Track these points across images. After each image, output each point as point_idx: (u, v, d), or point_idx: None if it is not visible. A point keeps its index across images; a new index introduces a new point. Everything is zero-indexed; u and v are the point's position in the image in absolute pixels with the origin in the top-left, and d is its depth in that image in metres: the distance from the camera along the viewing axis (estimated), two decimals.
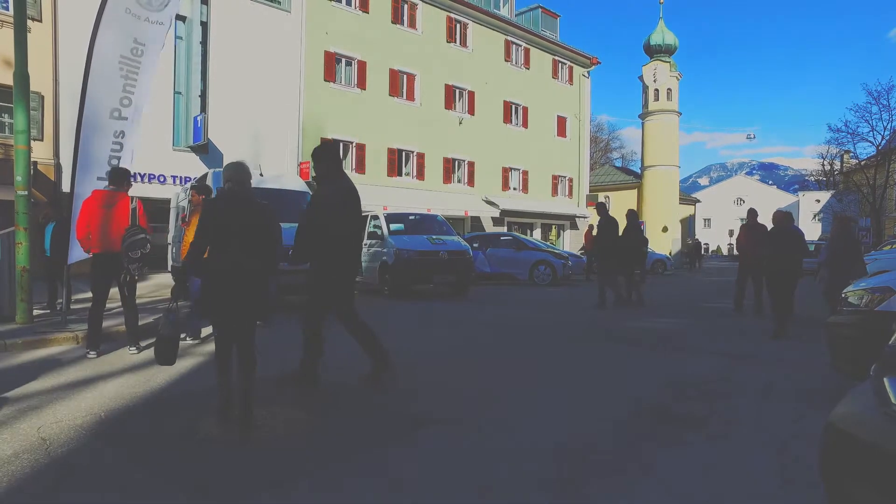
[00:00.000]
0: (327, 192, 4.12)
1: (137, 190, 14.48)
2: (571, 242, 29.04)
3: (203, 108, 17.74)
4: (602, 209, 10.18)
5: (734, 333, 7.17)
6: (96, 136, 6.49)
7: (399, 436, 3.23)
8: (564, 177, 30.58)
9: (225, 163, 17.81)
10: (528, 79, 28.19)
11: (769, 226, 7.82)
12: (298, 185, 10.73)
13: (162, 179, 16.73)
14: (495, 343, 6.43)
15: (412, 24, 23.59)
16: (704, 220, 68.39)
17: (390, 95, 22.73)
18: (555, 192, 30.06)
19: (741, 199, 65.75)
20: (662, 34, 43.36)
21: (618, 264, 9.96)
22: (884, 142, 33.75)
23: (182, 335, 4.83)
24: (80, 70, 6.46)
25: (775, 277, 7.12)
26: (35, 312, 6.97)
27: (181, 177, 16.79)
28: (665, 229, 41.44)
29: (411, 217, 12.89)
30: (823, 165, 55.41)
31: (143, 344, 5.58)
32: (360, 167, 21.77)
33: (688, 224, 48.70)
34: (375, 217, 12.44)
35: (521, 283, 15.22)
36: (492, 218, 25.54)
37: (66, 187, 10.83)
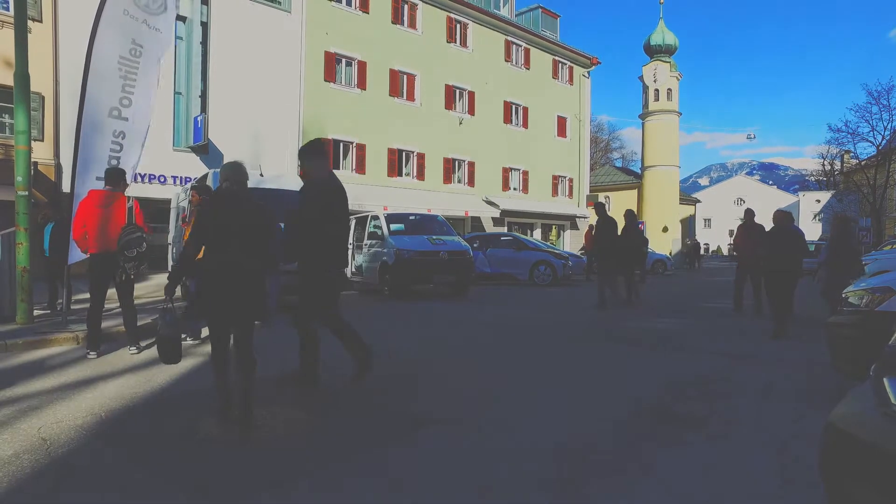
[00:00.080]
0: (315, 191, 4.08)
1: (138, 190, 14.52)
2: (572, 243, 29.05)
3: (203, 109, 17.75)
4: (601, 209, 10.18)
5: (734, 333, 7.16)
6: (96, 136, 6.50)
7: (399, 436, 3.23)
8: (565, 177, 30.58)
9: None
10: (529, 79, 28.20)
11: (767, 226, 7.82)
12: (298, 185, 10.69)
13: (162, 180, 16.74)
14: (495, 343, 6.43)
15: (412, 25, 23.60)
16: (705, 220, 68.38)
17: (390, 96, 22.74)
18: (555, 192, 30.07)
19: (741, 200, 65.74)
20: (662, 34, 43.38)
21: (617, 264, 9.95)
22: (884, 142, 33.77)
23: (182, 335, 4.82)
24: (81, 70, 6.47)
25: (774, 277, 7.11)
26: (35, 313, 6.98)
27: (181, 177, 16.80)
28: (665, 229, 41.45)
29: (411, 217, 12.89)
30: (824, 165, 55.41)
31: (143, 344, 5.58)
32: (361, 167, 21.78)
33: (688, 224, 48.70)
34: (375, 217, 12.43)
35: (522, 284, 15.22)
36: (492, 218, 25.54)
37: (66, 188, 10.84)
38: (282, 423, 3.41)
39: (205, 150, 17.35)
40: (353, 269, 12.87)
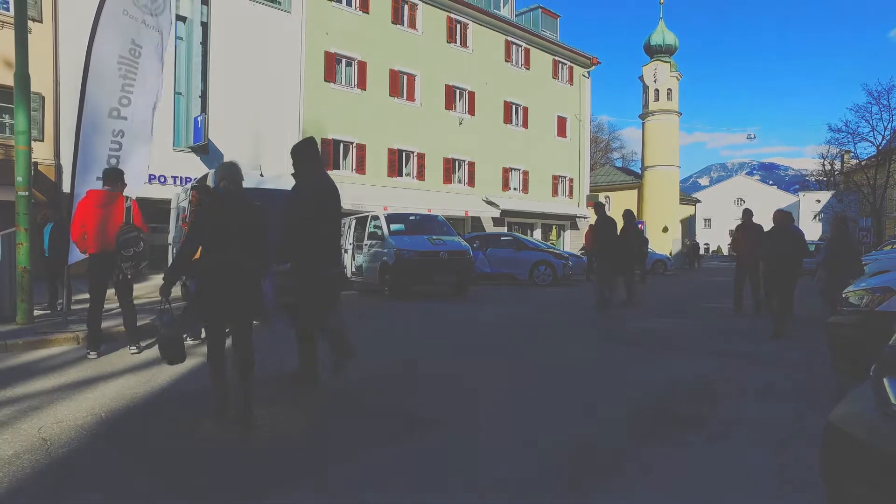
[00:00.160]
0: (309, 191, 4.06)
1: (137, 190, 14.52)
2: (572, 243, 29.05)
3: (203, 109, 17.75)
4: (600, 209, 10.17)
5: (734, 333, 7.16)
6: (96, 136, 6.50)
7: (399, 436, 3.23)
8: (565, 177, 30.58)
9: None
10: (529, 79, 28.20)
11: (767, 226, 7.82)
12: None
13: (162, 180, 16.74)
14: (495, 343, 6.43)
15: (412, 25, 23.60)
16: (705, 220, 68.36)
17: (390, 96, 22.74)
18: (555, 192, 30.07)
19: (741, 200, 65.71)
20: (663, 34, 43.39)
21: (616, 264, 9.94)
22: (884, 142, 33.75)
23: (184, 335, 4.82)
24: (81, 70, 6.47)
25: (774, 277, 7.11)
26: (36, 313, 6.98)
27: (181, 177, 16.80)
28: (665, 229, 41.45)
29: (412, 217, 12.89)
30: (824, 165, 55.39)
31: (143, 344, 5.58)
32: (361, 167, 21.79)
33: (688, 224, 48.70)
34: (376, 217, 12.44)
35: (522, 284, 15.22)
36: (492, 218, 25.55)
37: (66, 188, 10.86)
38: (282, 423, 3.41)
39: (205, 150, 17.35)
40: (354, 270, 12.87)
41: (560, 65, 30.06)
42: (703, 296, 13.03)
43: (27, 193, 6.56)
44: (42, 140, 14.69)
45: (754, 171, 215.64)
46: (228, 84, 18.08)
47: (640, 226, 28.39)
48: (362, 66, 21.80)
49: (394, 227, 12.00)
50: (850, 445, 1.71)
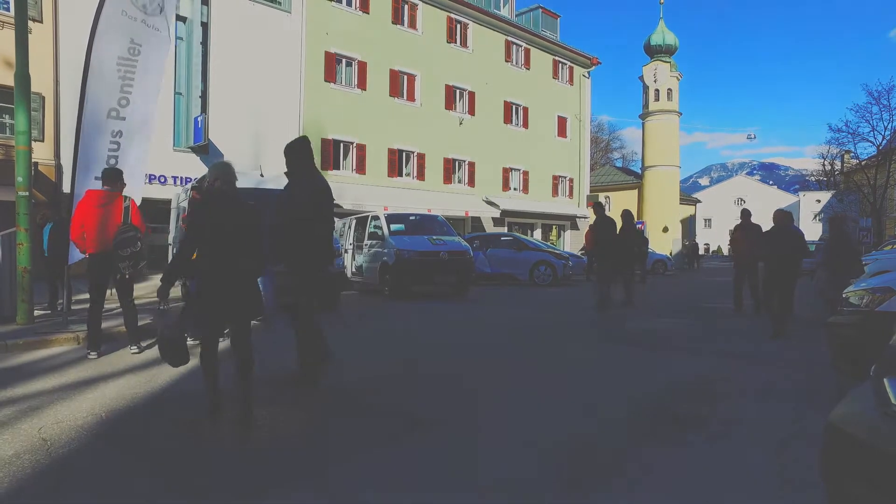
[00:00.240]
0: (305, 191, 4.04)
1: (137, 189, 14.51)
2: (572, 243, 29.05)
3: (203, 109, 17.75)
4: (599, 209, 10.17)
5: (734, 333, 7.16)
6: (96, 137, 6.51)
7: (399, 436, 3.23)
8: (565, 177, 30.58)
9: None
10: (529, 79, 28.20)
11: (767, 226, 7.81)
12: None
13: (163, 180, 16.75)
14: (495, 343, 6.43)
15: (412, 25, 23.61)
16: (705, 220, 68.34)
17: (391, 96, 22.74)
18: (555, 192, 30.07)
19: (742, 200, 65.64)
20: (663, 34, 43.40)
21: (615, 264, 9.94)
22: (884, 142, 33.72)
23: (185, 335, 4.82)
24: (81, 71, 6.47)
25: (774, 277, 7.11)
26: (36, 313, 6.98)
27: (182, 177, 16.81)
28: (665, 229, 41.45)
29: (412, 217, 12.89)
30: (824, 165, 55.33)
31: (144, 343, 5.58)
32: (361, 167, 21.79)
33: (688, 224, 48.70)
34: (376, 217, 12.44)
35: (522, 284, 15.22)
36: (492, 218, 25.55)
37: (66, 188, 10.88)
38: (282, 423, 3.41)
39: (205, 150, 17.35)
40: (354, 270, 12.87)
41: (560, 65, 30.06)
42: (703, 296, 13.02)
43: (27, 193, 6.56)
44: (42, 140, 14.70)
45: (754, 171, 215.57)
46: (228, 84, 18.08)
47: (639, 226, 28.45)
48: (362, 66, 21.80)
49: (394, 227, 12.00)
50: (851, 445, 1.71)
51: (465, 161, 25.47)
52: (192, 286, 5.71)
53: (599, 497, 2.49)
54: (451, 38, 24.80)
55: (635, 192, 43.89)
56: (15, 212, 6.56)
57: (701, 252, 39.60)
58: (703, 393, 4.22)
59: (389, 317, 8.68)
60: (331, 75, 20.95)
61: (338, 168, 21.20)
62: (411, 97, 23.53)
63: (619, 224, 10.21)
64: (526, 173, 28.25)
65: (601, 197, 39.60)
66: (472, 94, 25.60)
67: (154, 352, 3.71)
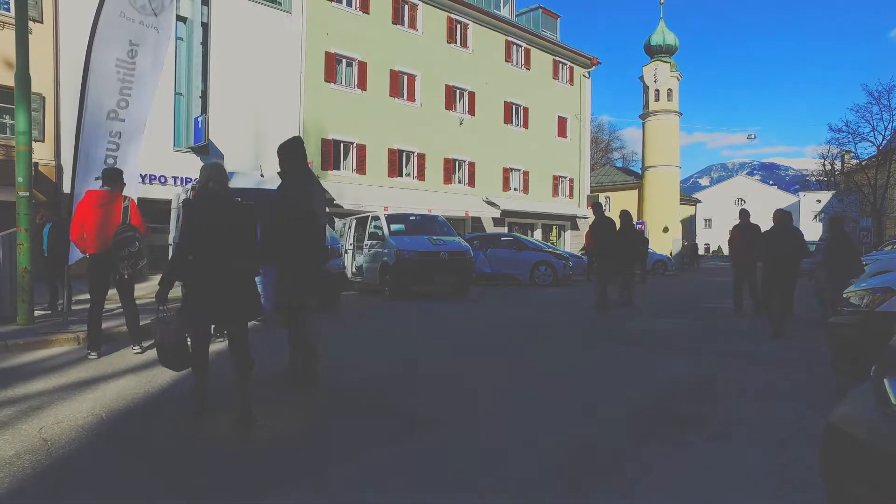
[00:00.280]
0: (293, 191, 4.05)
1: (138, 190, 14.51)
2: (572, 243, 29.05)
3: (204, 109, 17.76)
4: (598, 209, 10.16)
5: (734, 333, 7.16)
6: (95, 138, 6.51)
7: (399, 436, 3.24)
8: (565, 177, 30.58)
9: (226, 164, 17.75)
10: (529, 79, 28.20)
11: (768, 226, 7.80)
12: None
13: (163, 180, 16.75)
14: (495, 343, 6.43)
15: (412, 25, 23.61)
16: (705, 220, 68.33)
17: (391, 96, 22.74)
18: (555, 192, 30.07)
19: (742, 200, 65.62)
20: (663, 34, 43.40)
21: (615, 264, 9.94)
22: (885, 142, 33.71)
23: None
24: (81, 71, 6.47)
25: (773, 277, 7.10)
26: (36, 313, 6.98)
27: (182, 177, 16.81)
28: (666, 230, 41.45)
29: (412, 217, 12.89)
30: (824, 165, 55.32)
31: (146, 343, 5.59)
32: (361, 168, 21.79)
33: (688, 224, 48.69)
34: (376, 217, 12.44)
35: (522, 284, 15.22)
36: (492, 218, 25.55)
37: (66, 188, 10.90)
38: (282, 424, 3.41)
39: (205, 150, 17.35)
40: (354, 270, 12.88)
41: (560, 65, 30.06)
42: (703, 296, 13.02)
43: (28, 194, 6.57)
44: (42, 140, 14.70)
45: (755, 172, 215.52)
46: (229, 84, 18.09)
47: (640, 226, 28.45)
48: (362, 67, 21.81)
49: (394, 227, 12.00)
50: (851, 446, 1.71)
51: (465, 161, 25.47)
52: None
53: (599, 497, 2.49)
54: (451, 38, 24.81)
55: (635, 192, 43.89)
56: (15, 212, 6.57)
57: (701, 252, 39.60)
58: (703, 393, 4.22)
59: (389, 317, 8.68)
60: (331, 75, 20.95)
61: (338, 168, 21.21)
62: (411, 97, 23.53)
63: (618, 224, 10.22)
64: (526, 173, 28.25)
65: (601, 197, 39.63)
66: (472, 95, 25.60)
67: (155, 352, 3.70)
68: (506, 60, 27.14)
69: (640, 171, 45.56)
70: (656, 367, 5.17)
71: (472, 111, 25.58)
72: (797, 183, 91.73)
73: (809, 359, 5.42)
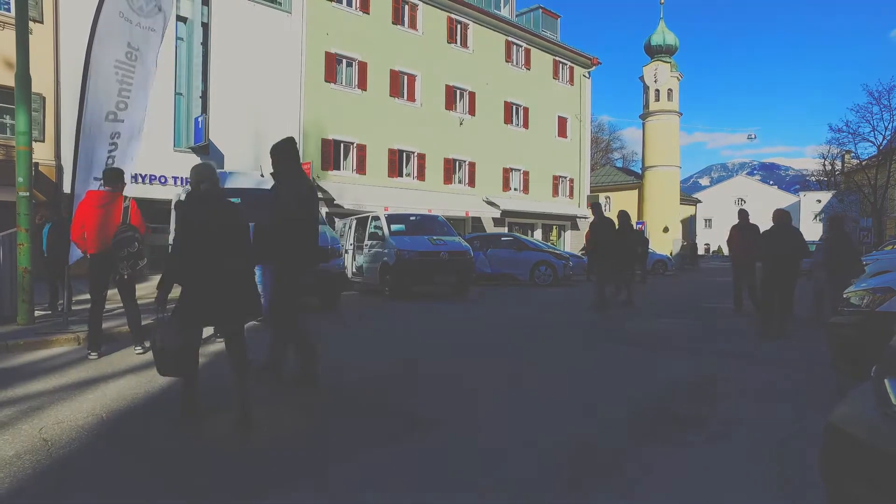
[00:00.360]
0: (286, 192, 4.06)
1: (138, 191, 14.51)
2: (572, 243, 29.05)
3: (204, 109, 17.76)
4: (597, 209, 10.16)
5: (734, 333, 7.16)
6: (95, 139, 6.51)
7: (399, 436, 3.24)
8: (565, 177, 30.58)
9: (226, 164, 17.69)
10: (529, 79, 28.20)
11: (764, 225, 7.80)
12: None
13: (163, 180, 16.75)
14: (495, 343, 6.43)
15: (413, 25, 23.61)
16: (705, 220, 68.33)
17: (391, 96, 22.74)
18: (555, 192, 30.06)
19: (742, 200, 65.62)
20: (663, 34, 43.41)
21: (614, 265, 9.94)
22: (885, 142, 33.70)
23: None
24: (81, 72, 6.47)
25: (773, 277, 7.09)
26: (36, 313, 6.98)
27: (182, 178, 16.79)
28: (666, 230, 41.45)
29: (412, 218, 12.89)
30: (824, 165, 55.28)
31: (147, 343, 5.58)
32: (361, 168, 21.79)
33: (689, 224, 48.68)
34: (376, 218, 12.44)
35: (522, 284, 15.22)
36: (492, 218, 25.55)
37: (66, 188, 10.92)
38: (282, 424, 3.41)
39: (205, 150, 17.35)
40: (354, 270, 12.88)
41: (560, 65, 30.06)
42: (703, 296, 13.02)
43: (28, 194, 6.57)
44: (43, 141, 14.71)
45: (755, 172, 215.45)
46: (229, 85, 18.09)
47: (640, 226, 28.43)
48: (363, 67, 21.81)
49: (394, 227, 12.00)
50: (851, 446, 1.71)
51: (465, 161, 25.47)
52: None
53: (599, 497, 2.49)
54: (451, 38, 24.81)
55: (636, 192, 43.89)
56: (15, 212, 6.57)
57: (701, 252, 39.60)
58: (703, 393, 4.22)
59: (389, 317, 8.68)
60: (331, 76, 20.95)
61: (338, 168, 21.21)
62: (412, 97, 23.54)
63: (616, 225, 10.22)
64: (526, 173, 28.25)
65: (601, 197, 39.63)
66: (472, 95, 25.60)
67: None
68: (506, 60, 27.14)
69: (640, 172, 45.55)
70: (656, 367, 5.17)
71: (472, 111, 25.58)
72: (797, 183, 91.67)
73: (809, 359, 5.42)
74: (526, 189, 28.25)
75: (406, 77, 23.30)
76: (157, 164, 16.35)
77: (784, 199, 63.67)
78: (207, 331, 6.15)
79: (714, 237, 68.94)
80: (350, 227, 13.59)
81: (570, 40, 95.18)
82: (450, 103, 24.80)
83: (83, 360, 5.14)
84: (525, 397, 4.11)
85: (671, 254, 29.43)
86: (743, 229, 9.29)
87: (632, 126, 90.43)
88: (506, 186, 27.32)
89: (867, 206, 34.85)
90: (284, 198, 4.04)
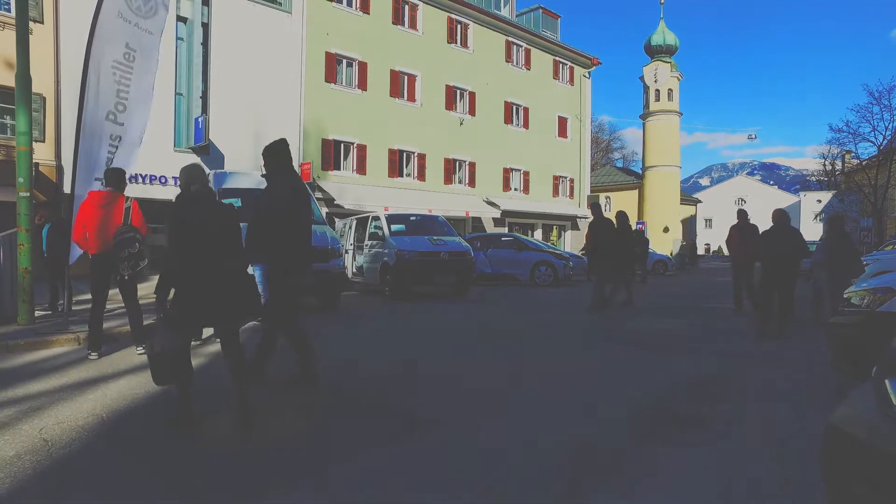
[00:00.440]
0: (279, 192, 4.08)
1: (139, 191, 14.52)
2: (572, 243, 29.04)
3: (204, 110, 17.77)
4: (596, 210, 10.16)
5: (734, 333, 7.16)
6: (94, 140, 6.50)
7: (399, 436, 3.24)
8: (565, 177, 30.58)
9: (226, 164, 17.66)
10: (529, 79, 28.20)
11: (764, 226, 7.79)
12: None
13: (163, 181, 16.75)
14: (496, 343, 6.43)
15: (413, 25, 23.61)
16: (706, 220, 68.32)
17: (391, 96, 22.75)
18: (556, 192, 30.06)
19: (742, 200, 65.60)
20: (663, 34, 43.41)
21: (614, 265, 9.93)
22: (885, 142, 33.68)
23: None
24: (81, 72, 6.47)
25: (772, 277, 7.09)
26: (37, 313, 6.98)
27: None
28: (666, 230, 41.45)
29: (412, 218, 12.89)
30: (825, 165, 55.26)
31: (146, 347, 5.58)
32: (362, 168, 21.79)
33: (689, 224, 48.67)
34: (376, 218, 12.44)
35: (522, 284, 15.22)
36: (493, 218, 25.55)
37: (67, 188, 10.91)
38: (282, 424, 3.41)
39: (206, 150, 17.36)
40: (354, 270, 12.88)
41: (561, 65, 30.06)
42: (703, 296, 13.02)
43: (28, 194, 6.57)
44: (43, 141, 14.71)
45: (755, 172, 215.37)
46: (229, 85, 18.10)
47: (640, 226, 28.42)
48: (363, 67, 21.81)
49: (394, 227, 12.00)
50: (851, 446, 1.71)
51: (465, 161, 25.48)
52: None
53: (599, 497, 2.49)
54: (451, 38, 24.81)
55: (636, 192, 43.89)
56: (16, 212, 6.57)
57: (701, 252, 39.61)
58: (703, 393, 4.22)
59: (389, 317, 8.68)
60: (331, 76, 20.96)
61: (338, 168, 21.21)
62: (412, 97, 23.54)
63: (616, 225, 10.22)
64: (526, 173, 28.25)
65: (602, 197, 39.63)
66: (472, 95, 25.60)
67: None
68: (506, 60, 27.14)
69: (640, 172, 45.55)
70: (656, 367, 5.17)
71: (472, 111, 25.59)
72: (797, 183, 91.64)
73: (809, 359, 5.42)
74: (526, 189, 28.25)
75: (406, 77, 23.30)
76: (157, 165, 16.35)
77: (784, 199, 63.63)
78: (208, 331, 6.15)
79: (714, 237, 68.90)
80: (350, 228, 13.59)
81: (571, 40, 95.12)
82: (450, 103, 24.81)
83: (83, 361, 5.14)
84: (525, 397, 4.11)
85: (671, 254, 29.43)
86: (742, 229, 9.29)
87: (632, 126, 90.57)
88: (506, 186, 27.32)
89: (867, 206, 34.83)
90: (277, 198, 4.06)
